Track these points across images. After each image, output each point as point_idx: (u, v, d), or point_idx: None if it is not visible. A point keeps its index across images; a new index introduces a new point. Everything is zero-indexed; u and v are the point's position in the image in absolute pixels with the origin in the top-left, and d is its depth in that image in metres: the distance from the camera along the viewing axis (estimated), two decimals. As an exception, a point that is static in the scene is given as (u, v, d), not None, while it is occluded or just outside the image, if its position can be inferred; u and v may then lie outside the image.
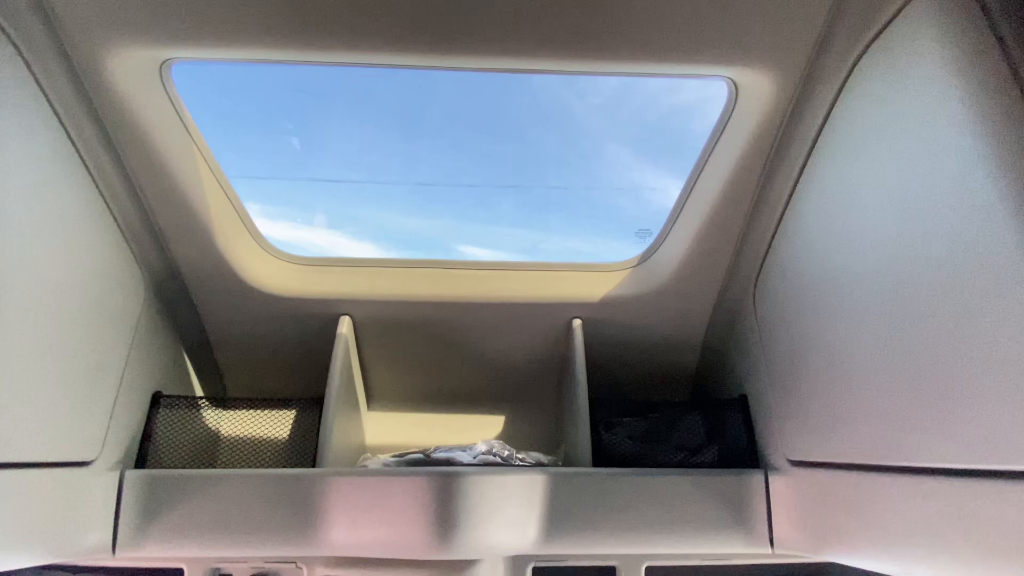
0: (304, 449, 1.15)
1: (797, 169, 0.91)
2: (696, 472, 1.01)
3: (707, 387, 1.36)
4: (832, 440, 0.82)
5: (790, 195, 0.94)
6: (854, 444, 0.76)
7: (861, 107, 0.76)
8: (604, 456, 1.08)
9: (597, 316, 1.24)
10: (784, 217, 0.97)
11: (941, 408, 0.60)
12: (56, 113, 0.81)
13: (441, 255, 1.27)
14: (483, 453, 0.94)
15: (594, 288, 1.24)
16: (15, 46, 0.73)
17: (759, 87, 0.85)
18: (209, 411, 1.16)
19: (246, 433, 1.18)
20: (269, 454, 1.18)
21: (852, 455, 0.77)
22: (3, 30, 0.71)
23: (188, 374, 1.25)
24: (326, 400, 1.11)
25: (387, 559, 1.03)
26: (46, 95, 0.79)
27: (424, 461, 0.96)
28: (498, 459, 0.95)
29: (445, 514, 0.88)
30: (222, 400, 1.20)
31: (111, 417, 0.95)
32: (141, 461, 1.02)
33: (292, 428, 1.20)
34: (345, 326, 1.21)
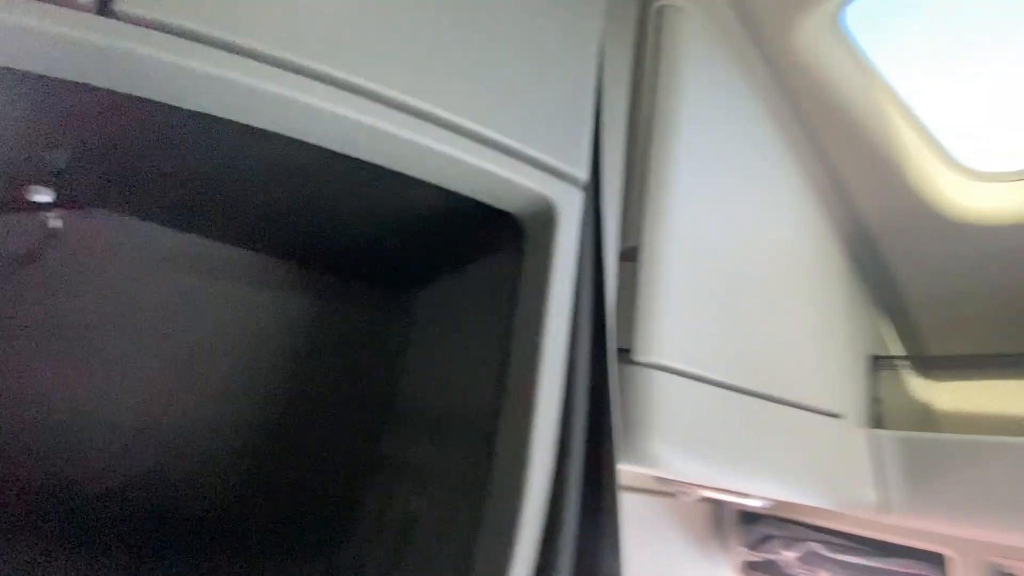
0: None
1: None
2: None
3: None
4: None
5: None
6: None
7: None
8: None
9: None
10: None
11: None
12: (755, 90, 0.88)
13: None
14: None
15: None
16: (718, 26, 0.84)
17: None
18: (921, 372, 1.06)
19: (969, 397, 1.00)
20: (997, 425, 0.96)
21: None
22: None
23: (884, 335, 1.19)
24: None
25: None
26: (747, 75, 0.86)
27: None
28: None
29: None
30: (932, 360, 1.08)
31: (843, 376, 0.97)
32: (877, 422, 1.00)
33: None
34: None
